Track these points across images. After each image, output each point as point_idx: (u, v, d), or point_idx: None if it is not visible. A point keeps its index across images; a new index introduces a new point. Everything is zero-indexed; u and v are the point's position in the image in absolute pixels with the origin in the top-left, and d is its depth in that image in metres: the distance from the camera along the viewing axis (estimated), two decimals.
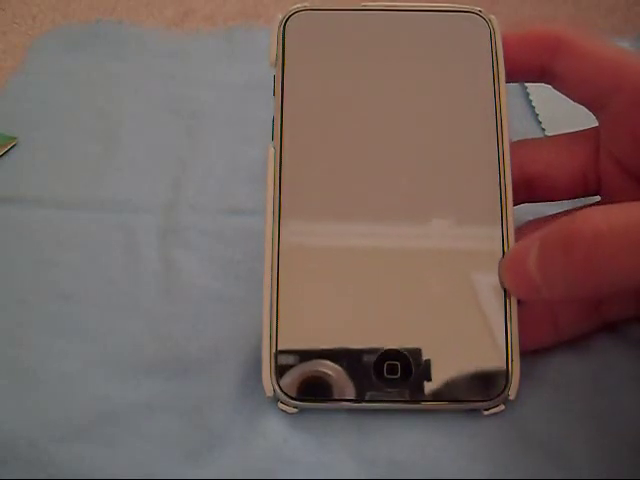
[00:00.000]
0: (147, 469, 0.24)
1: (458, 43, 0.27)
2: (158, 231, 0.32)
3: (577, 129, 0.27)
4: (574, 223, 0.21)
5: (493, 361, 0.24)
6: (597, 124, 0.27)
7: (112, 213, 0.32)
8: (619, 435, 0.24)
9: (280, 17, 0.27)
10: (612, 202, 0.21)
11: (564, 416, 0.25)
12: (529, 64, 0.26)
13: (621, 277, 0.20)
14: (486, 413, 0.24)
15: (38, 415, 0.25)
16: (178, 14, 0.43)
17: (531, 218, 0.28)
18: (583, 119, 0.27)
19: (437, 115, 0.26)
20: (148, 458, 0.24)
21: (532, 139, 0.28)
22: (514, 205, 0.25)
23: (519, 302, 0.25)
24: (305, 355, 0.24)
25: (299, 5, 0.27)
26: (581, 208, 0.23)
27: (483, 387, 0.24)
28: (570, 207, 0.27)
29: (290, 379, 0.24)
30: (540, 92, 0.37)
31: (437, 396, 0.24)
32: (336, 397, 0.24)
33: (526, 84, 0.37)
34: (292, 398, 0.24)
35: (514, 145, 0.26)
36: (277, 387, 0.24)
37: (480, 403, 0.24)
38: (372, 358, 0.24)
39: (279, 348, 0.24)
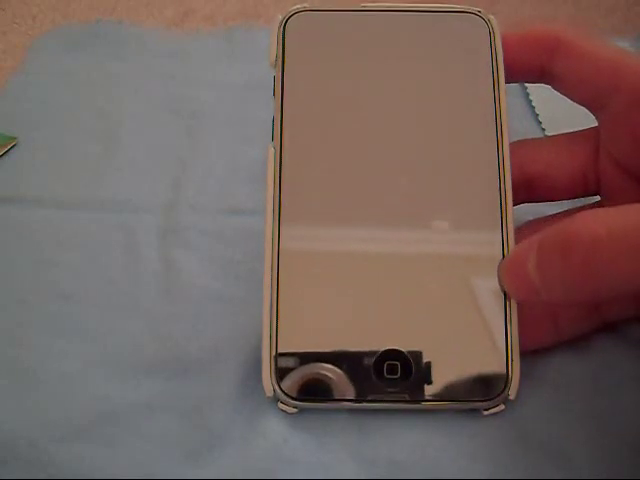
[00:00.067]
0: (147, 469, 0.24)
1: (457, 43, 0.27)
2: (158, 231, 0.32)
3: (577, 129, 0.27)
4: (572, 226, 0.21)
5: (493, 361, 0.24)
6: (597, 124, 0.27)
7: (112, 213, 0.32)
8: (619, 435, 0.24)
9: (280, 17, 0.27)
10: (612, 202, 0.21)
11: (564, 416, 0.25)
12: (528, 64, 0.26)
13: (619, 282, 0.20)
14: (486, 413, 0.24)
15: (38, 415, 0.25)
16: (178, 14, 0.43)
17: (531, 218, 0.28)
18: (583, 119, 0.27)
19: (437, 115, 0.26)
20: (148, 458, 0.24)
21: (532, 139, 0.28)
22: (514, 205, 0.25)
23: (519, 303, 0.25)
24: (304, 356, 0.24)
25: (299, 6, 0.27)
26: (581, 209, 0.23)
27: (483, 387, 0.24)
28: (570, 207, 0.27)
29: (290, 380, 0.24)
30: (540, 92, 0.37)
31: (437, 396, 0.24)
32: (336, 397, 0.24)
33: (526, 84, 0.37)
34: (292, 398, 0.24)
35: (514, 145, 0.26)
36: (277, 387, 0.24)
37: (480, 403, 0.24)
38: (372, 358, 0.24)
39: (279, 350, 0.24)
